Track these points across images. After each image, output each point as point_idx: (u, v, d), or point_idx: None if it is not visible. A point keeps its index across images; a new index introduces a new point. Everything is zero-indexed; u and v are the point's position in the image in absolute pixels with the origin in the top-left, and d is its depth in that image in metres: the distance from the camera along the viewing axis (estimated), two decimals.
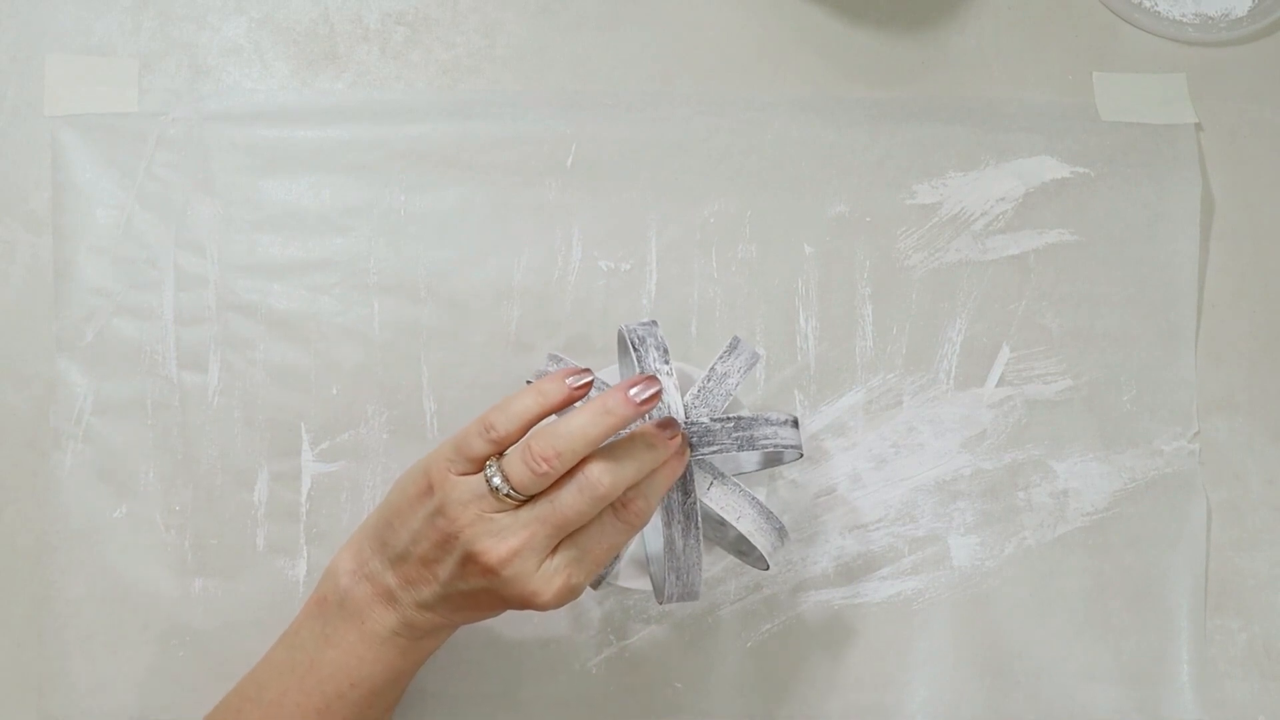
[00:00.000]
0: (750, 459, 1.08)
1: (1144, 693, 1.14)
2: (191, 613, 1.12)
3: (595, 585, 1.02)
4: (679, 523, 0.97)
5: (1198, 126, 1.24)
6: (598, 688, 1.12)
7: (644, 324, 1.02)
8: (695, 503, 0.97)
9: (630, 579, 1.06)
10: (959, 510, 1.16)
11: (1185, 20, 1.28)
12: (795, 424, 1.01)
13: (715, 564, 1.07)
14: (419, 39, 1.24)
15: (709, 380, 1.02)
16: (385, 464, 1.15)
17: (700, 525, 0.97)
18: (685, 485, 0.97)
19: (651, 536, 1.03)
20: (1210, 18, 1.28)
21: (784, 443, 1.00)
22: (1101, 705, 1.14)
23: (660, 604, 1.01)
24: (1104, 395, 1.19)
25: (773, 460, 1.06)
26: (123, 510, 1.14)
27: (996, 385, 1.18)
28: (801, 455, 1.03)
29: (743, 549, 1.04)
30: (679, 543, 0.97)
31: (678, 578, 0.98)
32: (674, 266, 1.20)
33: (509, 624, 1.13)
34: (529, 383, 0.94)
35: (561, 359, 1.03)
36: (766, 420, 0.99)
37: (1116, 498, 1.17)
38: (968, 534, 1.16)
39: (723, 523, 1.03)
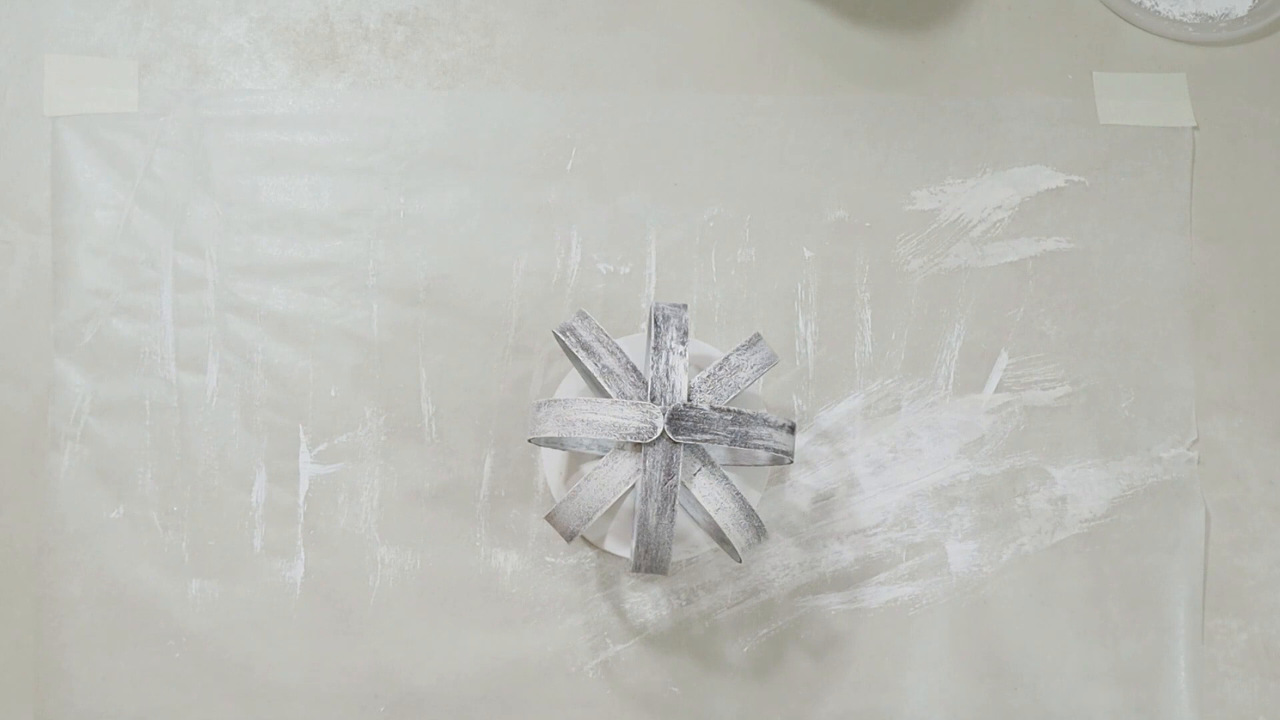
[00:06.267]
0: (744, 451, 1.08)
1: (1142, 695, 1.14)
2: (188, 614, 1.12)
3: (568, 539, 1.02)
4: (655, 501, 0.99)
5: (1194, 130, 1.24)
6: (595, 691, 1.13)
7: (675, 305, 1.04)
8: (676, 485, 0.99)
9: (614, 545, 1.07)
10: (957, 516, 1.16)
11: (1185, 20, 1.28)
12: (792, 430, 1.02)
13: (701, 546, 1.08)
14: (419, 39, 1.24)
15: (720, 369, 1.03)
16: (383, 466, 1.15)
17: (675, 508, 0.99)
18: (670, 467, 0.99)
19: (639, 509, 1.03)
20: (1210, 18, 1.28)
21: (777, 446, 1.01)
22: (1100, 707, 1.14)
23: (629, 573, 1.04)
24: (1102, 402, 1.19)
25: (775, 460, 1.06)
26: (120, 511, 1.14)
27: (995, 391, 1.18)
28: (791, 461, 1.03)
29: (722, 537, 1.04)
30: (652, 520, 0.99)
31: (646, 551, 1.01)
32: (673, 269, 1.20)
33: (507, 626, 1.13)
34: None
35: (588, 316, 1.03)
36: (764, 420, 1.00)
37: (1115, 504, 1.17)
38: (965, 540, 1.16)
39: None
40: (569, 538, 1.02)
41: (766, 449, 1.00)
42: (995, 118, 1.24)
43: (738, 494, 1.01)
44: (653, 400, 1.00)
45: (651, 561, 1.01)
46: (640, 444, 1.00)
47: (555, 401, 1.01)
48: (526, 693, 1.12)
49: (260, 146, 1.21)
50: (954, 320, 1.19)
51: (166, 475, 1.14)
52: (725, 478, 1.02)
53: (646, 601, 1.14)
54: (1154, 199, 1.23)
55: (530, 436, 1.02)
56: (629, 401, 0.99)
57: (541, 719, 1.12)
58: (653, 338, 1.02)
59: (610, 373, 1.02)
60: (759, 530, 1.02)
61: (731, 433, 0.99)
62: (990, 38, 1.27)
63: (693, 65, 1.25)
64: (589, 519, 1.01)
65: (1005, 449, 1.18)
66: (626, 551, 1.06)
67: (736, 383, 1.03)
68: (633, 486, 1.01)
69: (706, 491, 1.01)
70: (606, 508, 1.01)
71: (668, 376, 1.00)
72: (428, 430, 1.16)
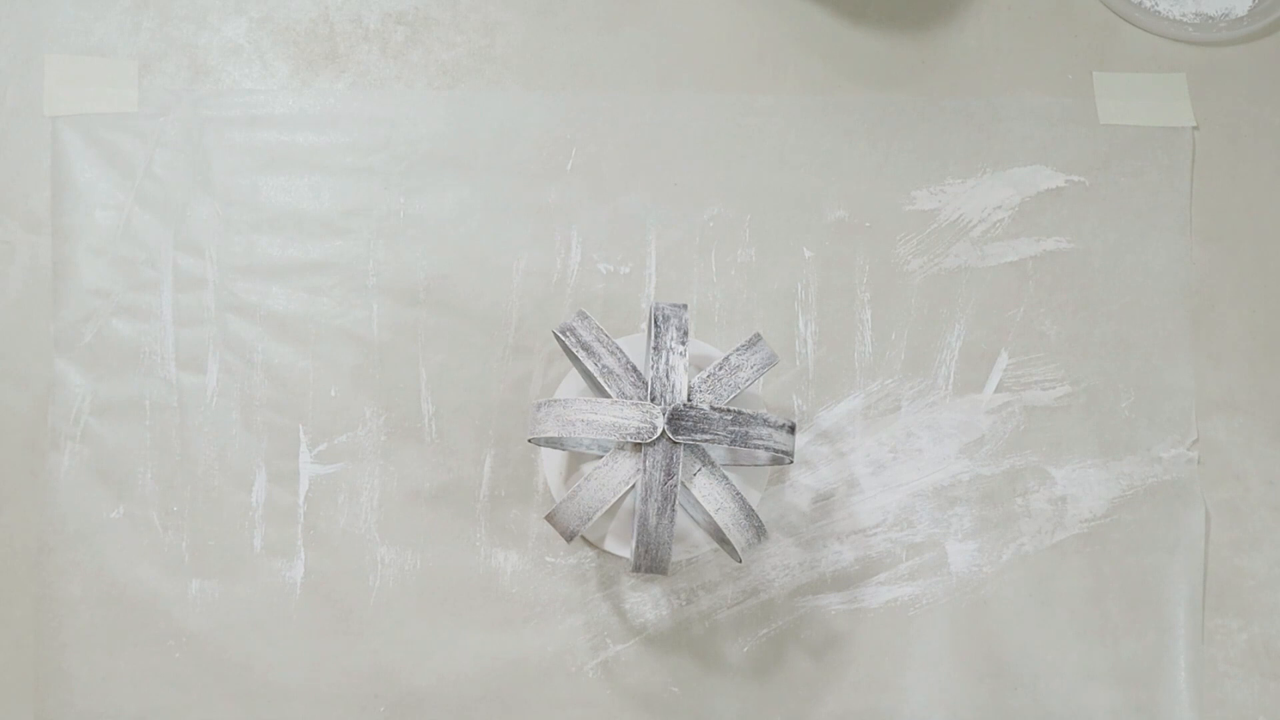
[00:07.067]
0: (744, 451, 1.08)
1: (1142, 695, 1.14)
2: (188, 614, 1.12)
3: (568, 539, 1.02)
4: (655, 501, 0.99)
5: (1194, 130, 1.24)
6: (595, 691, 1.13)
7: (675, 305, 1.04)
8: (676, 485, 0.99)
9: (614, 545, 1.07)
10: (957, 516, 1.16)
11: (1185, 20, 1.28)
12: (792, 429, 1.02)
13: (701, 546, 1.08)
14: (419, 39, 1.24)
15: (720, 369, 1.03)
16: (383, 466, 1.15)
17: (675, 508, 0.99)
18: (670, 467, 0.99)
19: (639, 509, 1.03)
20: (1210, 18, 1.28)
21: (777, 446, 1.01)
22: (1100, 707, 1.14)
23: (629, 573, 1.06)
24: (1102, 402, 1.19)
25: (775, 460, 1.06)
26: (120, 511, 1.14)
27: (995, 391, 1.18)
28: (791, 461, 1.03)
29: (722, 537, 1.04)
30: (652, 520, 0.99)
31: (646, 551, 1.01)
32: (673, 269, 1.20)
33: (507, 626, 1.13)
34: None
35: (588, 316, 1.03)
36: (764, 420, 1.00)
37: (1115, 504, 1.17)
38: (965, 540, 1.16)
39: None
40: (569, 538, 1.02)
41: (766, 449, 1.00)
42: (995, 118, 1.24)
43: (738, 494, 1.01)
44: (653, 400, 1.00)
45: (651, 561, 1.01)
46: (640, 444, 1.00)
47: (555, 401, 1.01)
48: (526, 693, 1.12)
49: (260, 146, 1.21)
50: (954, 320, 1.19)
51: (166, 475, 1.14)
52: (725, 478, 1.02)
53: (646, 601, 1.14)
54: (1154, 199, 1.23)
55: (530, 436, 1.02)
56: (629, 401, 0.99)
57: (541, 719, 1.12)
58: (653, 338, 1.02)
59: (610, 373, 1.02)
60: (759, 530, 1.02)
61: (731, 433, 0.99)
62: (990, 38, 1.27)
63: (693, 65, 1.25)
64: (589, 519, 1.01)
65: (1005, 449, 1.17)
66: (626, 551, 1.06)
67: (736, 383, 1.03)
68: (633, 486, 1.01)
69: (706, 491, 1.01)
70: (606, 508, 1.01)
71: (668, 376, 1.00)
72: (428, 430, 1.16)
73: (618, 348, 1.03)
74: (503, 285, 1.19)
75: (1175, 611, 1.15)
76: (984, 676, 1.14)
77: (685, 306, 1.04)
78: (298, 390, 1.16)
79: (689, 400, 1.01)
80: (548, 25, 1.25)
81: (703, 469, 1.01)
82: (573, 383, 1.12)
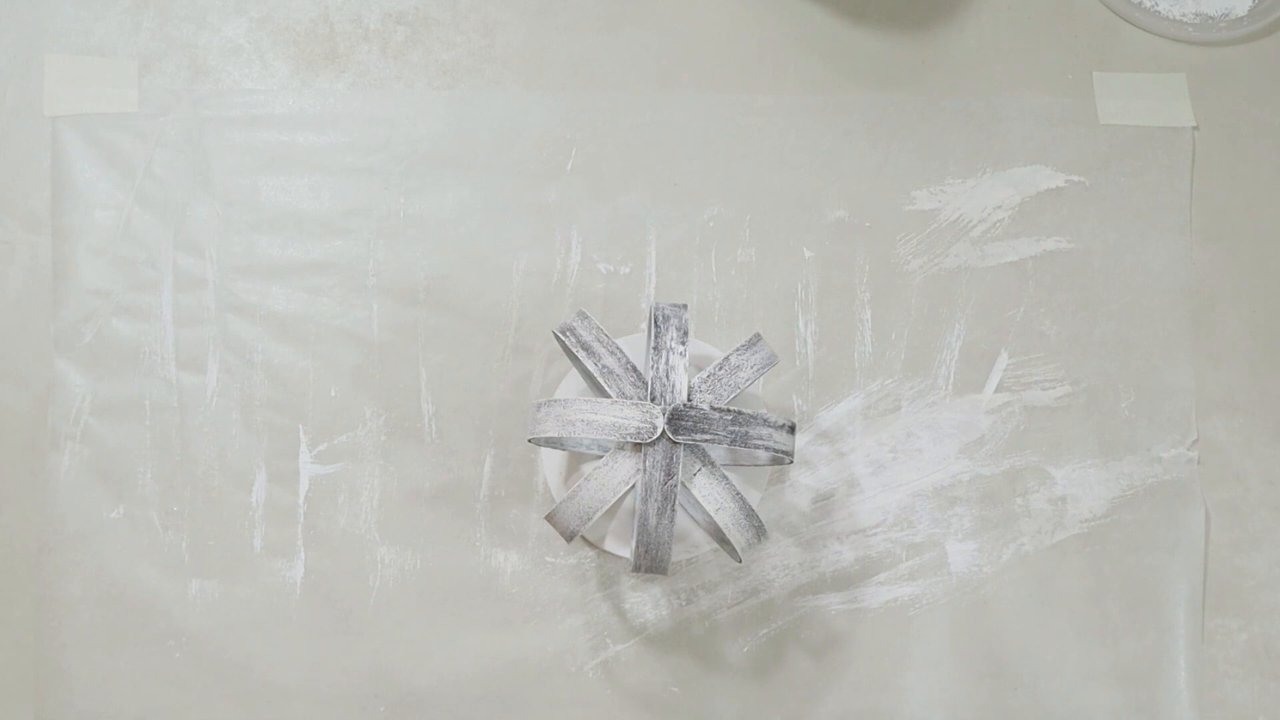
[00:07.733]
0: (744, 451, 1.08)
1: (1142, 695, 1.14)
2: (188, 614, 1.12)
3: (568, 539, 1.02)
4: (655, 501, 0.99)
5: (1194, 130, 1.24)
6: (595, 691, 1.12)
7: (675, 305, 1.04)
8: (676, 485, 0.99)
9: (614, 545, 1.07)
10: (957, 516, 1.16)
11: (1185, 20, 1.28)
12: (792, 430, 1.02)
13: (701, 546, 1.08)
14: (419, 39, 1.24)
15: (720, 369, 1.03)
16: (383, 466, 1.15)
17: (675, 508, 0.99)
18: (670, 467, 0.99)
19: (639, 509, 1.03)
20: (1210, 18, 1.28)
21: (777, 446, 1.00)
22: (1100, 707, 1.13)
23: (629, 573, 1.07)
24: (1102, 402, 1.18)
25: (775, 460, 1.06)
26: (120, 511, 1.14)
27: (995, 391, 1.18)
28: (791, 461, 1.03)
29: (722, 537, 1.04)
30: (652, 520, 0.99)
31: (646, 551, 1.01)
32: (673, 269, 1.19)
33: (507, 625, 1.13)
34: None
35: (588, 316, 1.03)
36: (764, 420, 1.00)
37: (1115, 504, 1.17)
38: (965, 540, 1.16)
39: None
40: (569, 538, 1.02)
41: (766, 449, 1.00)
42: (995, 118, 1.24)
43: (738, 494, 1.01)
44: (653, 400, 1.00)
45: (651, 561, 1.01)
46: (640, 444, 0.99)
47: (555, 401, 1.01)
48: (526, 693, 1.12)
49: (260, 146, 1.21)
50: (954, 320, 1.19)
51: (166, 475, 1.14)
52: (725, 478, 1.02)
53: (646, 601, 1.14)
54: (1154, 199, 1.23)
55: (530, 436, 1.02)
56: (629, 401, 0.99)
57: (541, 719, 1.12)
58: (653, 338, 1.02)
59: (610, 373, 1.02)
60: (759, 530, 1.02)
61: (731, 433, 0.99)
62: (990, 38, 1.27)
63: (693, 65, 1.25)
64: (589, 519, 1.01)
65: (1005, 449, 1.17)
66: (626, 551, 1.06)
67: (736, 383, 1.03)
68: (633, 486, 1.01)
69: (706, 491, 1.01)
70: (606, 508, 1.01)
71: (668, 376, 1.00)
72: (428, 430, 1.16)
73: (618, 348, 1.03)
74: (503, 285, 1.19)
75: (1175, 611, 1.15)
76: (984, 676, 1.14)
77: (685, 306, 1.04)
78: (298, 390, 1.16)
79: (689, 400, 1.00)
80: (548, 25, 1.25)
81: (703, 469, 1.01)
82: (573, 383, 1.12)
